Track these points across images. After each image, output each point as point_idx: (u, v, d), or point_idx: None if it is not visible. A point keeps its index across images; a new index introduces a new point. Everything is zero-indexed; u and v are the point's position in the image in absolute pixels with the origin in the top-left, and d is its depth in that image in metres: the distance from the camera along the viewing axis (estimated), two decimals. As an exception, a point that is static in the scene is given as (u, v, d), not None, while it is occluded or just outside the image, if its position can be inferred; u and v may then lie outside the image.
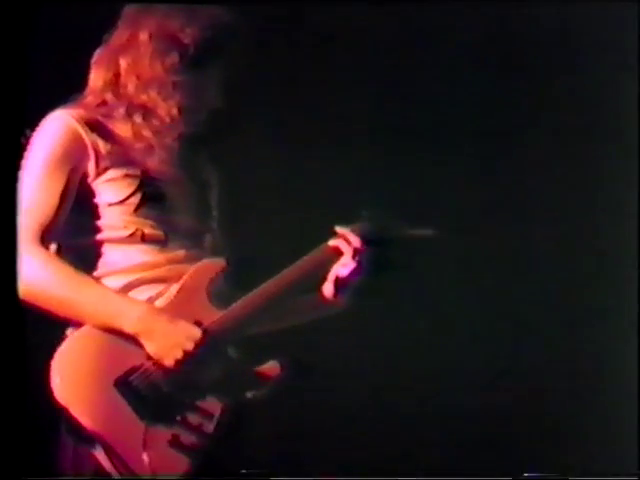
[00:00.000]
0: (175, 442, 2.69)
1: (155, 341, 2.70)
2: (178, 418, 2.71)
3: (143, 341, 2.70)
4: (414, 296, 4.59)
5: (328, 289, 2.91)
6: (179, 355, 2.69)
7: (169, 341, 2.69)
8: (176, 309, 2.77)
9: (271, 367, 2.80)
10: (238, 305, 2.81)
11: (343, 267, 2.87)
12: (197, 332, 2.72)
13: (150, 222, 2.82)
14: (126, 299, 2.75)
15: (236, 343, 2.83)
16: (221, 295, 2.84)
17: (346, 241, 2.86)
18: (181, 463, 2.69)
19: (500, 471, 3.85)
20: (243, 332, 2.83)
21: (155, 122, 2.84)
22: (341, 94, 4.40)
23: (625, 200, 4.41)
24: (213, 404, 2.74)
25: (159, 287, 2.80)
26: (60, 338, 2.79)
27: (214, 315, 2.78)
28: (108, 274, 2.81)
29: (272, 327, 2.96)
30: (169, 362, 2.69)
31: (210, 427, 2.72)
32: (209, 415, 2.73)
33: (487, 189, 4.55)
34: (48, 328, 2.82)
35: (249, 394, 2.77)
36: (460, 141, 4.53)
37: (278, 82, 4.20)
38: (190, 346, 2.70)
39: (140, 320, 2.71)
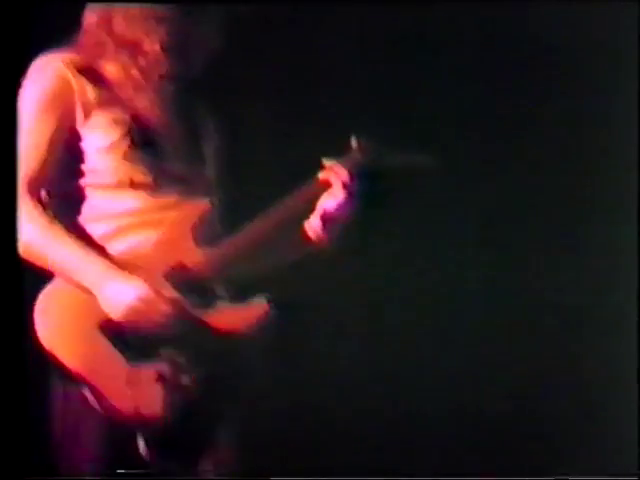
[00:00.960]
0: (160, 378, 2.70)
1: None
2: (162, 355, 2.71)
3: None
4: (408, 233, 4.50)
5: (315, 224, 2.86)
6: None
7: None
8: (160, 252, 2.76)
9: (259, 304, 2.79)
10: (224, 246, 2.80)
11: (330, 200, 2.82)
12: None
13: (140, 168, 2.79)
14: (91, 256, 2.71)
15: (222, 283, 2.80)
16: (207, 237, 2.82)
17: (335, 174, 2.80)
18: (165, 400, 2.70)
19: (499, 471, 3.87)
20: (229, 273, 2.81)
21: (141, 59, 2.80)
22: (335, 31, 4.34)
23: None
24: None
25: (149, 232, 2.80)
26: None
27: (199, 257, 2.78)
28: (97, 219, 2.80)
29: (257, 268, 2.90)
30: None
31: (187, 380, 2.72)
32: (187, 369, 2.73)
33: (488, 117, 4.53)
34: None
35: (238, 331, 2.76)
36: (460, 68, 4.53)
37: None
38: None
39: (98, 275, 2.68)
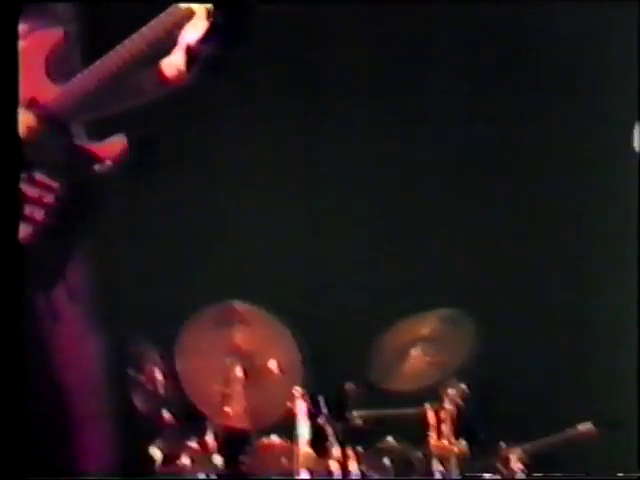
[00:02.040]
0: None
1: None
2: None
3: None
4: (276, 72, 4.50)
5: (177, 59, 2.64)
6: None
7: None
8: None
9: (117, 141, 2.67)
10: (78, 79, 2.64)
11: (194, 31, 2.57)
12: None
13: None
14: None
15: (78, 121, 2.69)
16: (62, 72, 2.68)
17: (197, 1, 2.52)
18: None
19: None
20: (85, 111, 2.68)
21: None
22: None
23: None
24: (53, 180, 2.67)
25: None
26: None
27: (52, 92, 2.66)
28: None
29: (114, 107, 2.76)
30: None
31: (50, 199, 2.66)
32: (48, 187, 2.67)
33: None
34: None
35: (94, 169, 2.67)
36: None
37: None
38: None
39: None
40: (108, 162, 2.72)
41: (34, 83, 2.67)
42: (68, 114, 2.70)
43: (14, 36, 2.64)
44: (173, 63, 2.68)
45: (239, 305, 4.41)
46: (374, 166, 4.95)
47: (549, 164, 4.79)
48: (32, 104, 2.69)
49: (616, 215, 4.50)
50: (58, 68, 2.72)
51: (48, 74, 2.69)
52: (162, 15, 2.58)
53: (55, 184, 2.70)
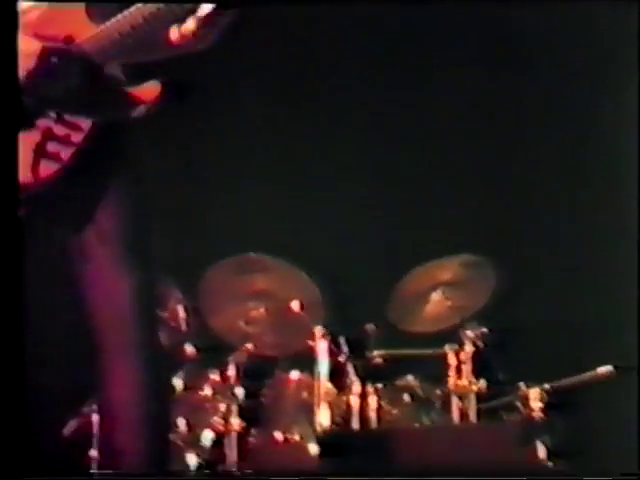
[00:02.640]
0: (39, 150, 2.68)
1: None
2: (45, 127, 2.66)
3: None
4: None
5: (189, 25, 2.65)
6: None
7: None
8: (51, 21, 2.67)
9: (152, 86, 2.70)
10: (115, 21, 2.66)
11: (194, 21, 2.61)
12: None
13: None
14: None
15: (115, 63, 2.72)
16: (99, 14, 2.70)
17: None
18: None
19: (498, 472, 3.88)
20: (121, 53, 2.71)
21: None
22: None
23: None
24: (83, 119, 2.70)
25: None
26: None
27: (90, 31, 2.68)
28: None
29: (148, 54, 2.76)
30: None
31: (78, 138, 2.69)
32: (77, 127, 2.69)
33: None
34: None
35: (128, 112, 2.70)
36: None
37: None
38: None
39: None
40: (142, 106, 2.73)
41: (73, 21, 2.70)
42: (104, 55, 2.71)
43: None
44: (183, 28, 2.70)
45: (257, 256, 4.50)
46: (391, 116, 4.97)
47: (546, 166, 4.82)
48: (68, 41, 2.71)
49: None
50: (98, 9, 2.73)
51: (88, 13, 2.72)
52: None
53: (85, 124, 2.72)
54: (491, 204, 4.86)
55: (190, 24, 2.68)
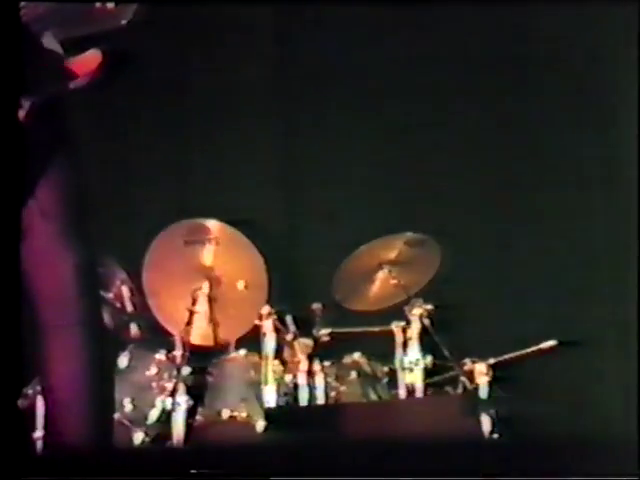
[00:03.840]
0: None
1: None
2: None
3: None
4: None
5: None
6: None
7: None
8: None
9: (92, 56, 2.70)
10: None
11: None
12: None
13: None
14: None
15: (52, 35, 2.71)
16: None
17: None
18: None
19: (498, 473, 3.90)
20: (57, 25, 2.71)
21: None
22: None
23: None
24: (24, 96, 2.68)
25: None
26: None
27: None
28: None
29: (85, 27, 2.76)
30: None
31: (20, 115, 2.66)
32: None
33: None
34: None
35: (67, 84, 2.69)
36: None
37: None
38: None
39: None
40: (82, 78, 2.71)
41: None
42: (40, 25, 2.70)
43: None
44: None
45: (209, 222, 4.45)
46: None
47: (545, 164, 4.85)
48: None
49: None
50: None
51: None
52: None
53: (25, 101, 2.69)
54: (434, 182, 4.89)
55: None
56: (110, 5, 2.74)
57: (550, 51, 4.73)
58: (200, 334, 4.32)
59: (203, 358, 4.21)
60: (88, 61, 2.72)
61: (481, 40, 4.75)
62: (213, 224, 4.44)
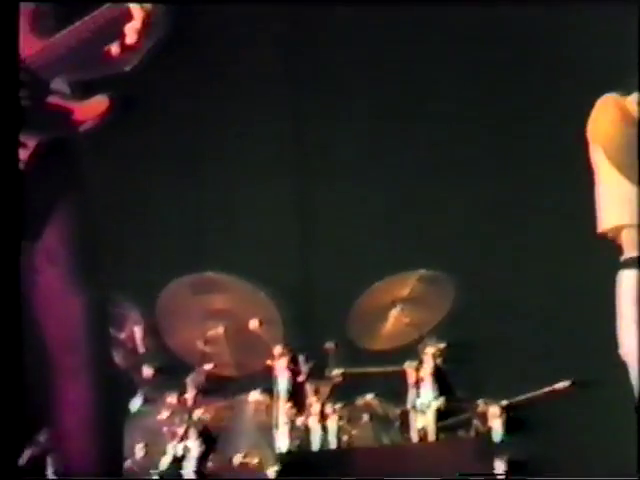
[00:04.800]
0: None
1: None
2: None
3: None
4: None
5: (115, 50, 2.71)
6: None
7: None
8: None
9: (99, 101, 2.71)
10: (61, 36, 2.69)
11: (132, 31, 2.68)
12: None
13: None
14: None
15: (62, 79, 2.72)
16: (47, 25, 2.72)
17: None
18: None
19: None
20: (67, 69, 2.72)
21: None
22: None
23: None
24: (29, 137, 2.68)
25: None
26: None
27: (36, 46, 2.69)
28: None
29: (94, 70, 2.79)
30: None
31: (24, 155, 2.65)
32: (22, 144, 2.66)
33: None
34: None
35: (75, 127, 2.70)
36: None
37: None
38: None
39: None
40: (90, 121, 2.71)
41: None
42: (50, 70, 2.69)
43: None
44: (112, 51, 2.74)
45: (215, 274, 4.47)
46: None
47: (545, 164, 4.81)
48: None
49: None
50: (44, 23, 2.72)
51: (32, 28, 2.70)
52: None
53: (31, 141, 2.69)
54: (447, 218, 4.87)
55: (130, 37, 2.69)
56: (116, 50, 2.76)
57: (549, 51, 4.72)
58: (213, 375, 4.32)
59: (215, 400, 4.21)
60: (96, 105, 2.74)
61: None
62: (219, 275, 4.46)
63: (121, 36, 2.72)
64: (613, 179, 3.99)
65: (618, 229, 3.95)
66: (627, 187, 3.92)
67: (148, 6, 2.71)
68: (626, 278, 3.86)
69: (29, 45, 2.69)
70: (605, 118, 3.96)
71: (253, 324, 4.42)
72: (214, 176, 5.01)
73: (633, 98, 4.00)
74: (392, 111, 4.92)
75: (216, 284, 4.49)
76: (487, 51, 4.79)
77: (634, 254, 3.86)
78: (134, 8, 2.70)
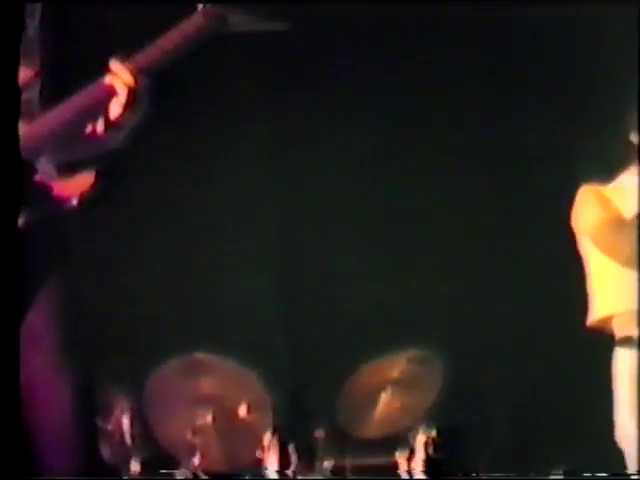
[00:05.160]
0: None
1: None
2: None
3: None
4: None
5: (98, 129, 2.72)
6: None
7: None
8: None
9: (84, 177, 2.71)
10: (44, 119, 2.71)
11: (116, 107, 2.68)
12: None
13: None
14: None
15: (47, 159, 2.72)
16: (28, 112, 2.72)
17: (120, 79, 2.67)
18: None
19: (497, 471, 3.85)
20: (51, 150, 2.73)
21: None
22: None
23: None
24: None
25: None
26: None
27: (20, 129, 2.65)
28: None
29: (79, 150, 2.78)
30: None
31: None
32: None
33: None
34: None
35: (59, 206, 2.70)
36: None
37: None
38: None
39: None
40: (74, 199, 2.70)
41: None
42: (34, 152, 2.69)
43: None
44: (95, 130, 2.73)
45: (203, 355, 4.41)
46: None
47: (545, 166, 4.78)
48: None
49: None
50: (27, 107, 2.72)
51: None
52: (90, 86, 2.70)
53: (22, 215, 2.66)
54: (437, 296, 4.84)
55: (114, 113, 2.69)
56: (101, 128, 2.73)
57: (549, 52, 4.69)
58: (204, 466, 4.27)
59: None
60: (81, 181, 2.72)
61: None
62: (207, 356, 4.41)
63: (105, 113, 2.71)
64: (604, 267, 3.99)
65: (607, 319, 3.94)
66: (621, 272, 3.93)
67: (131, 81, 2.70)
68: (621, 359, 3.85)
69: None
70: (588, 211, 3.97)
71: (242, 411, 4.38)
72: (200, 254, 4.95)
73: (613, 186, 4.02)
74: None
75: (204, 366, 4.45)
76: (489, 53, 4.76)
77: (629, 333, 3.85)
78: (118, 84, 2.70)
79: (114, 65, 2.70)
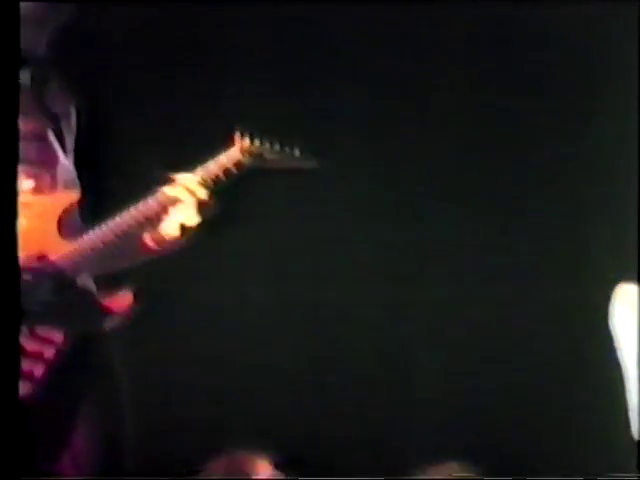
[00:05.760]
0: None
1: None
2: None
3: None
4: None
5: (172, 229, 2.84)
6: None
7: None
8: (25, 240, 2.73)
9: (123, 296, 2.87)
10: (87, 238, 2.87)
11: (179, 215, 2.82)
12: None
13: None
14: None
15: (87, 275, 2.84)
16: (71, 230, 2.88)
17: (186, 190, 2.79)
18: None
19: (495, 472, 3.85)
20: (93, 267, 2.87)
21: None
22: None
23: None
24: (55, 333, 2.79)
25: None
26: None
27: (63, 248, 2.84)
28: None
29: (120, 265, 2.94)
30: None
31: (50, 353, 2.80)
32: (49, 340, 2.81)
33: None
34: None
35: (103, 324, 2.84)
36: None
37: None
38: None
39: None
40: (115, 316, 2.87)
41: (46, 239, 2.88)
42: (76, 269, 2.88)
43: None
44: (167, 231, 2.89)
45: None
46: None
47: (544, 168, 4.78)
48: (41, 259, 2.87)
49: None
50: (69, 226, 2.93)
51: (60, 231, 2.89)
52: (148, 197, 2.83)
53: (57, 337, 2.84)
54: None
55: (170, 229, 2.84)
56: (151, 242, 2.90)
57: (548, 52, 4.69)
58: None
59: None
60: (120, 301, 2.90)
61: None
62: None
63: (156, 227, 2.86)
64: None
65: None
66: None
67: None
68: None
69: (56, 247, 2.89)
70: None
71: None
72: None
73: None
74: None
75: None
76: (489, 53, 4.77)
77: None
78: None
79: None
